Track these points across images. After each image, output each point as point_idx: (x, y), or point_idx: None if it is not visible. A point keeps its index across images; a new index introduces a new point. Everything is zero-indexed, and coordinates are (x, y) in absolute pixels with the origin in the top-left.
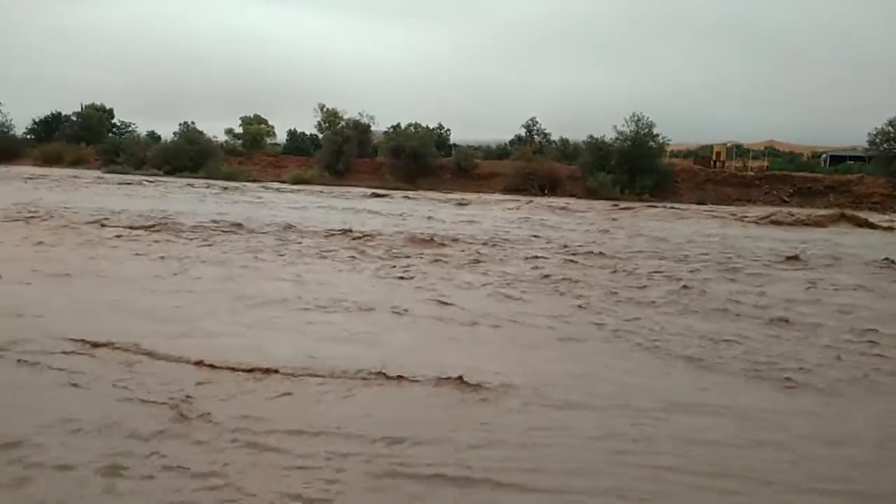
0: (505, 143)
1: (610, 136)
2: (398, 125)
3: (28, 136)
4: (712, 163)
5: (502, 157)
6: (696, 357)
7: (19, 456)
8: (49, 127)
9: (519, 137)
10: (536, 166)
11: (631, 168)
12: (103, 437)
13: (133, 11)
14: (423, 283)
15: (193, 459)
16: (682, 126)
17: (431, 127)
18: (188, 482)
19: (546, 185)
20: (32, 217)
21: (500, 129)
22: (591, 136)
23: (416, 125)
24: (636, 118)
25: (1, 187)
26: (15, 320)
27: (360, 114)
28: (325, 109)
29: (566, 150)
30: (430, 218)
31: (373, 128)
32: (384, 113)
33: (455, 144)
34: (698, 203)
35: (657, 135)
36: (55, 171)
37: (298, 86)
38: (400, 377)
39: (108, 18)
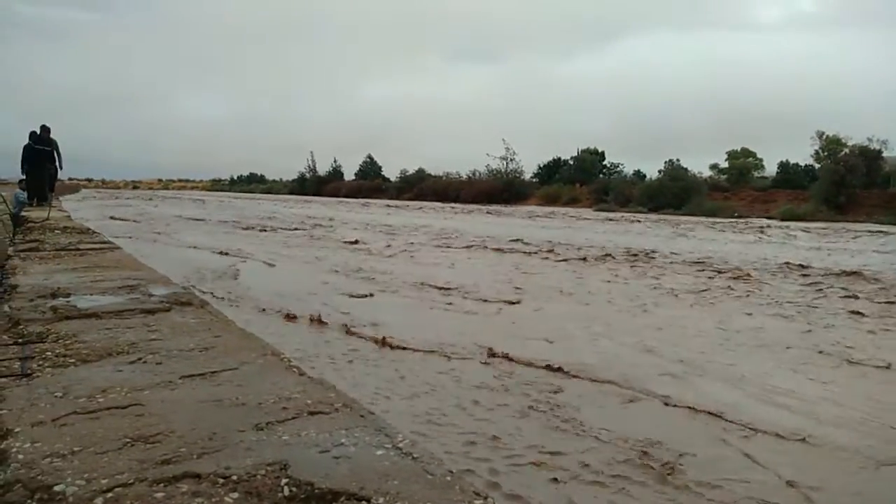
0: None
1: None
2: None
3: (534, 180)
4: None
5: None
6: None
7: None
8: (550, 171)
9: None
10: None
11: None
12: None
13: (619, 59)
14: None
15: None
16: None
17: None
18: None
19: None
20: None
21: None
22: None
23: None
24: None
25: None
26: None
27: (868, 139)
28: (823, 137)
29: None
30: None
31: (885, 154)
32: None
33: None
34: None
35: None
36: (559, 209)
37: (792, 114)
38: None
39: (598, 68)
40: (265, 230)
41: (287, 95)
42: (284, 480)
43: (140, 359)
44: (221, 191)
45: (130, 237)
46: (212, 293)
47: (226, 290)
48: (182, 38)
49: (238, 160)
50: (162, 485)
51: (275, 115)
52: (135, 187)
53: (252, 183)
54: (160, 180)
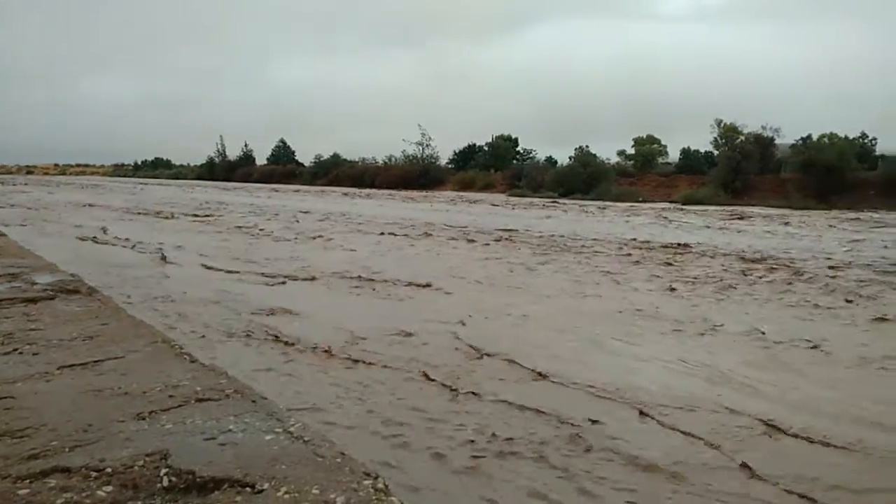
0: None
1: None
2: (808, 137)
3: (449, 166)
4: None
5: None
6: None
7: None
8: (466, 157)
9: None
10: None
11: None
12: None
13: (533, 46)
14: None
15: None
16: None
17: (851, 137)
18: None
19: None
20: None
21: None
22: None
23: (832, 135)
24: None
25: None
26: None
27: (762, 127)
28: (721, 125)
29: None
30: None
31: (777, 141)
32: (793, 124)
33: (883, 156)
34: None
35: None
36: (473, 195)
37: (695, 103)
38: None
39: (513, 55)
40: (164, 217)
41: (198, 77)
42: (164, 470)
43: (15, 349)
44: (125, 176)
45: (18, 225)
46: (101, 283)
47: (115, 280)
48: (85, 16)
49: (143, 144)
50: (27, 481)
51: (184, 98)
52: (28, 172)
53: (157, 168)
54: (57, 165)
